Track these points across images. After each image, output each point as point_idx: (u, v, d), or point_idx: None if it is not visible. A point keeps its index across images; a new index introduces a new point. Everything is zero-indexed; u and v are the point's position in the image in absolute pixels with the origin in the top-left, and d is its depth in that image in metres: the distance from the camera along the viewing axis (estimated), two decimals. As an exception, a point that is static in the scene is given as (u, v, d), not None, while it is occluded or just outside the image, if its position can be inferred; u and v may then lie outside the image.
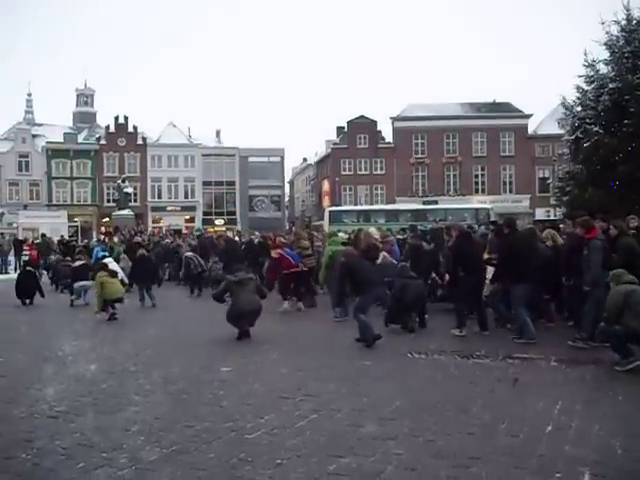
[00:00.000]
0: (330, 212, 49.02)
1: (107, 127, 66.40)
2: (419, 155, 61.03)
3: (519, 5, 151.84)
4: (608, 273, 9.80)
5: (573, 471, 5.23)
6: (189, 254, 21.19)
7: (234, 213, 67.76)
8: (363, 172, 61.92)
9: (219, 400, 7.62)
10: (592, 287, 10.51)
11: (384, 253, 15.54)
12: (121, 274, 16.75)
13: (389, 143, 62.50)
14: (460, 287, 12.56)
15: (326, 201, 63.15)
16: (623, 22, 18.70)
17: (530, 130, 61.39)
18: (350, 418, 6.77)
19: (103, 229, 49.29)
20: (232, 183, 68.20)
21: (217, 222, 65.48)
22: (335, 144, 65.03)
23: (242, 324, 11.87)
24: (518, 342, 10.94)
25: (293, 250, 16.40)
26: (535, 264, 11.42)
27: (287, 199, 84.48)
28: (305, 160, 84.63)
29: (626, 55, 18.40)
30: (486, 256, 12.75)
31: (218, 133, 73.21)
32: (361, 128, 62.34)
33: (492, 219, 42.22)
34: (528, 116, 61.72)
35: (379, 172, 61.68)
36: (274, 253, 16.17)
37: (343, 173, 62.05)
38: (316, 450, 5.81)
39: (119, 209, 43.02)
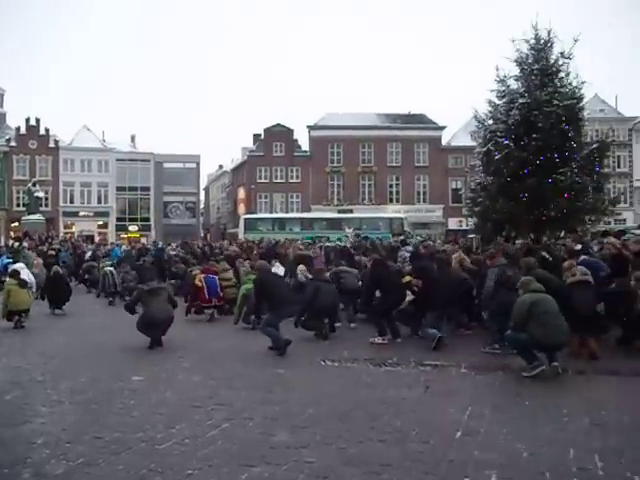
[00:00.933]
0: (245, 220, 48.90)
1: (17, 129, 64.19)
2: (335, 164, 61.32)
3: (435, 20, 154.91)
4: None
5: (481, 475, 5.38)
6: (108, 269, 20.75)
7: (148, 219, 66.63)
8: (279, 180, 61.82)
9: (129, 410, 7.50)
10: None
11: (302, 267, 15.76)
12: (31, 282, 16.29)
13: (305, 151, 62.59)
14: (379, 304, 12.80)
15: (241, 209, 62.83)
16: (532, 41, 19.24)
17: (444, 142, 62.44)
18: (262, 426, 6.77)
19: (12, 234, 47.73)
20: (147, 189, 67.06)
21: (131, 228, 64.38)
22: (251, 151, 64.81)
23: (154, 333, 11.76)
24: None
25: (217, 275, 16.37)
26: (450, 294, 11.97)
27: (202, 206, 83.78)
28: (221, 167, 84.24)
29: (535, 72, 18.94)
30: (407, 279, 13.09)
31: (133, 138, 71.88)
32: (278, 136, 62.25)
33: (405, 228, 43.18)
34: (442, 128, 62.78)
35: (295, 180, 61.71)
36: (197, 280, 15.92)
37: (259, 181, 61.86)
38: (228, 459, 5.79)
39: (29, 213, 41.85)
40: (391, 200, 61.05)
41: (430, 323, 11.75)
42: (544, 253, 13.75)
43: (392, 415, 7.20)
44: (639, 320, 10.85)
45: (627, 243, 13.74)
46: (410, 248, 18.79)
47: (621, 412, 7.38)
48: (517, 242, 15.95)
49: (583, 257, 12.79)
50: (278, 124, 62.82)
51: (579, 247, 14.21)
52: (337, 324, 13.57)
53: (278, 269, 16.67)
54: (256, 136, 66.72)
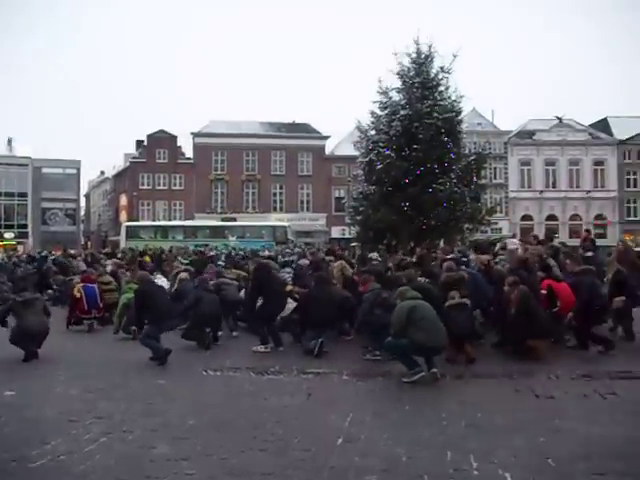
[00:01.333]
0: (127, 227, 47.94)
1: None
2: (219, 172, 60.86)
3: (320, 31, 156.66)
4: None
5: (362, 480, 5.43)
6: None
7: (25, 226, 63.95)
8: (162, 187, 60.79)
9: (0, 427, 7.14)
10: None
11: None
12: None
13: (189, 159, 61.86)
14: (259, 311, 12.77)
15: (123, 216, 61.41)
16: (414, 55, 19.79)
17: (327, 151, 63.04)
18: (142, 439, 6.62)
19: None
20: (24, 195, 64.33)
21: (7, 235, 61.60)
22: (134, 158, 63.47)
23: (28, 345, 11.30)
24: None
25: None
26: (330, 313, 12.12)
27: (83, 213, 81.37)
28: (103, 173, 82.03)
29: (416, 85, 19.46)
30: (289, 288, 13.13)
31: (10, 141, 69.09)
32: (161, 142, 61.21)
33: (289, 237, 43.38)
34: (326, 137, 63.32)
35: (178, 187, 60.83)
36: (75, 290, 15.34)
37: (141, 188, 60.60)
38: (105, 475, 5.64)
39: None
40: (275, 209, 61.13)
41: (310, 338, 11.81)
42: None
43: (274, 423, 7.19)
44: (513, 324, 11.27)
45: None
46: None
47: (495, 413, 7.63)
48: (396, 255, 16.23)
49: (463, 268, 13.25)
50: (161, 130, 61.79)
51: (450, 256, 14.64)
52: (219, 333, 13.47)
53: (160, 280, 16.37)
54: (139, 142, 65.41)
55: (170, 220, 56.73)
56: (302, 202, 62.17)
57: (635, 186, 64.01)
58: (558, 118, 64.20)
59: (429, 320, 9.56)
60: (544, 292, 11.93)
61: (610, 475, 5.60)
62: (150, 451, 6.23)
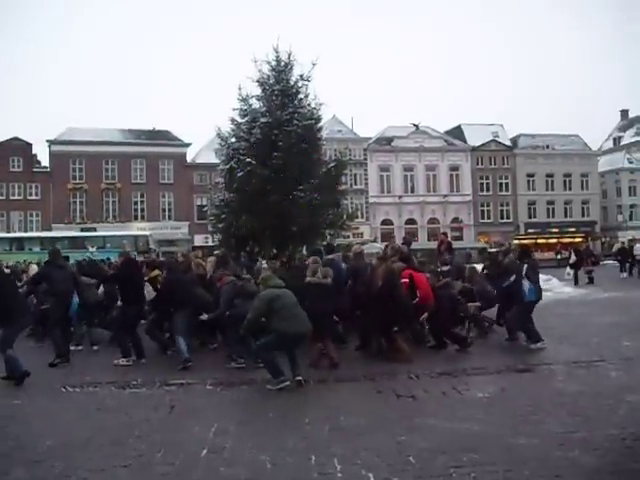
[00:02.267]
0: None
1: None
2: (77, 180, 58.97)
3: (179, 38, 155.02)
4: None
5: (226, 491, 5.40)
6: None
7: None
8: (17, 197, 58.11)
9: None
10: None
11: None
12: None
13: (45, 167, 59.63)
14: (120, 315, 12.45)
15: (-25, 228, 58.55)
16: (273, 62, 19.86)
17: (189, 158, 62.40)
18: (-6, 466, 6.28)
19: None
20: None
21: None
22: (-15, 166, 60.68)
23: None
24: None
25: None
26: (192, 297, 11.93)
27: None
28: (-51, 182, 77.91)
29: (276, 93, 19.55)
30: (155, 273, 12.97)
31: None
32: (15, 150, 58.46)
33: (151, 246, 42.64)
34: (187, 145, 62.69)
35: (34, 197, 58.40)
36: None
37: (-6, 197, 57.96)
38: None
39: None
40: (136, 217, 59.91)
41: (178, 330, 11.65)
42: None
43: (136, 438, 7.02)
44: (376, 304, 11.54)
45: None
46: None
47: (358, 415, 7.76)
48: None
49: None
50: (15, 137, 59.17)
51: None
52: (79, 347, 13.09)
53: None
54: (-8, 150, 62.57)
55: (26, 231, 54.53)
56: (164, 210, 61.23)
57: (488, 190, 67.34)
58: (415, 125, 66.44)
59: (289, 307, 9.63)
60: (406, 280, 12.26)
61: (466, 467, 5.85)
62: (3, 478, 5.93)
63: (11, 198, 58.06)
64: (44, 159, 60.58)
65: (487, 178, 67.76)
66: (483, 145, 67.45)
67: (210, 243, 40.83)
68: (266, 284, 9.99)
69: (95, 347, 13.77)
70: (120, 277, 12.63)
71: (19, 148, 58.83)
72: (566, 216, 69.04)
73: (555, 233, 65.81)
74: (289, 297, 9.79)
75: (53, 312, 12.46)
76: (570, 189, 69.56)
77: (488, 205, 67.78)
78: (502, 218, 67.76)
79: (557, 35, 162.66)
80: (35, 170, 58.94)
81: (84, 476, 5.89)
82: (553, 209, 69.08)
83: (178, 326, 11.77)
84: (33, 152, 60.03)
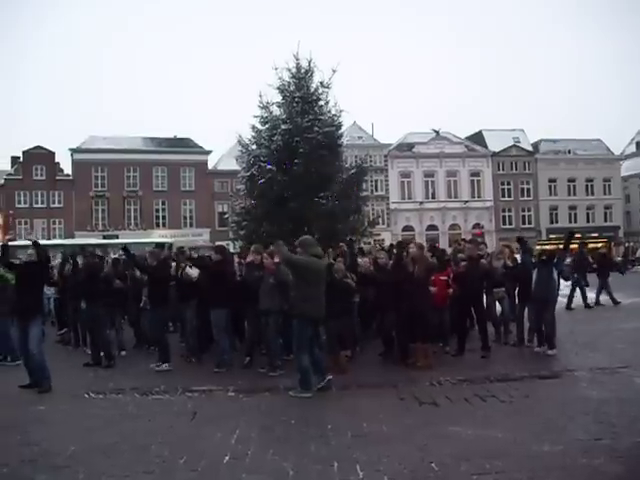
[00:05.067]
0: (2, 247, 45.92)
1: None
2: (99, 188, 59.44)
3: (200, 46, 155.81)
4: None
5: (249, 497, 5.41)
6: None
7: None
8: (40, 205, 58.65)
9: None
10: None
11: None
12: None
13: (68, 175, 60.13)
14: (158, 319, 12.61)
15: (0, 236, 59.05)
16: (294, 70, 19.88)
17: (210, 166, 62.65)
18: (19, 471, 6.32)
19: None
20: None
21: None
22: (9, 175, 61.14)
23: None
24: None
25: None
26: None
27: (-47, 233, 77.84)
28: (-26, 191, 78.70)
29: (296, 100, 19.55)
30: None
31: None
32: (38, 159, 59.06)
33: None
34: (208, 152, 62.92)
35: (57, 205, 58.92)
36: None
37: (18, 206, 58.27)
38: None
39: None
40: (158, 225, 60.24)
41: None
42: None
43: (159, 445, 7.05)
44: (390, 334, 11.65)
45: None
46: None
47: (380, 422, 7.76)
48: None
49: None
50: (38, 146, 59.68)
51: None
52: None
53: None
54: (14, 158, 63.03)
55: (49, 239, 54.92)
56: (185, 218, 61.51)
57: (509, 196, 66.99)
58: (435, 131, 66.28)
59: (315, 286, 9.70)
60: (444, 278, 12.63)
61: (489, 475, 5.82)
62: (28, 483, 5.99)
63: (34, 206, 58.59)
64: (67, 167, 61.10)
65: (508, 183, 67.42)
66: (504, 150, 67.12)
67: (232, 250, 40.99)
68: (308, 250, 9.96)
69: (123, 352, 13.83)
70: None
71: (42, 157, 59.36)
72: (588, 221, 68.41)
73: (577, 239, 65.22)
74: (321, 274, 9.91)
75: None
76: (592, 194, 68.98)
77: (509, 211, 67.43)
78: (524, 224, 67.30)
79: (581, 38, 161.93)
80: (58, 178, 59.42)
81: (108, 482, 5.93)
82: (575, 214, 68.51)
83: (220, 325, 11.95)
84: (56, 161, 60.51)
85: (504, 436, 7.02)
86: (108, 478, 6.02)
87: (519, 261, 13.79)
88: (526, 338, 13.38)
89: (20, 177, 58.76)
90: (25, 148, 59.90)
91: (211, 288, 11.91)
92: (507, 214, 67.40)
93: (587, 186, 69.10)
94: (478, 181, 66.97)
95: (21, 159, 60.29)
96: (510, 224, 67.00)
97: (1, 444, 7.31)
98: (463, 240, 24.18)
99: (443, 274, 12.69)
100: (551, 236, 65.27)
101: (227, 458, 6.50)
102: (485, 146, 67.88)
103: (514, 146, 68.05)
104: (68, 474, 6.17)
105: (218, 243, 54.79)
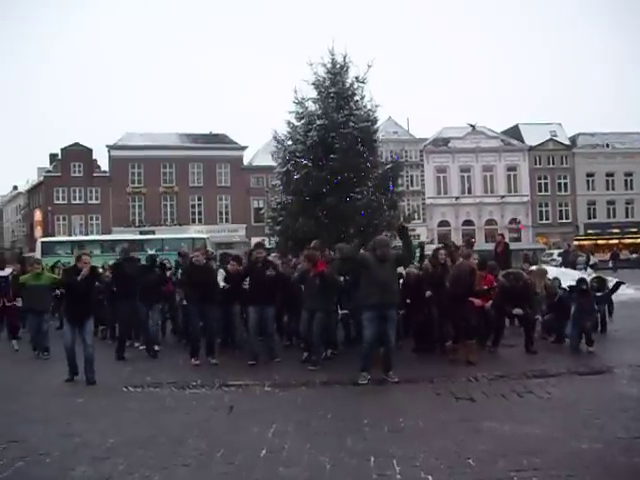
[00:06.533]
0: (42, 243, 46.64)
1: None
2: (136, 184, 60.06)
3: (236, 41, 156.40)
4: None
5: (286, 491, 5.43)
6: None
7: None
8: (78, 201, 59.50)
9: None
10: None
11: None
12: None
13: (105, 172, 60.82)
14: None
15: (38, 231, 59.76)
16: (329, 65, 19.85)
17: (245, 162, 62.93)
18: (61, 461, 6.41)
19: None
20: None
21: None
22: (48, 172, 62.07)
23: None
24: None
25: None
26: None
27: (-4, 229, 79.23)
28: (15, 188, 79.88)
29: (331, 95, 19.53)
30: None
31: None
32: (76, 156, 59.87)
33: (208, 248, 43.07)
34: (243, 148, 63.19)
35: (94, 201, 59.67)
36: None
37: (56, 202, 59.16)
38: (23, 501, 5.46)
39: None
40: (194, 220, 60.68)
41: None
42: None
43: (196, 438, 7.11)
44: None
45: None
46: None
47: (417, 417, 7.75)
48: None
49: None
50: (76, 143, 60.48)
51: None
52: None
53: None
54: (53, 156, 63.94)
55: (87, 235, 55.62)
56: (221, 213, 61.87)
57: (546, 190, 66.23)
58: (471, 125, 65.84)
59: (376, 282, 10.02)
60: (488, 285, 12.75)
61: (527, 471, 5.77)
62: (69, 473, 6.06)
63: (72, 202, 59.47)
64: (104, 164, 61.84)
65: (545, 178, 66.66)
66: (541, 145, 66.40)
67: (267, 245, 41.12)
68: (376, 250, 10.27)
69: (157, 347, 13.95)
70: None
71: (80, 154, 60.20)
72: (627, 216, 67.42)
73: (616, 234, 64.51)
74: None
75: None
76: (632, 188, 67.85)
77: (546, 205, 66.70)
78: (561, 219, 66.62)
79: (621, 30, 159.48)
80: (95, 175, 60.22)
81: (146, 474, 5.98)
82: (614, 209, 67.55)
83: (251, 322, 12.11)
84: (93, 157, 61.32)
85: (542, 433, 6.97)
86: (146, 470, 6.08)
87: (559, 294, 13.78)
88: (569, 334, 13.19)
89: (59, 174, 59.70)
90: (63, 145, 60.84)
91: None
92: (544, 209, 66.68)
93: (626, 180, 68.02)
94: (515, 176, 66.34)
95: (59, 156, 61.24)
96: (547, 219, 66.35)
97: (43, 435, 7.42)
98: (500, 235, 24.05)
99: (486, 281, 12.68)
100: (589, 231, 64.64)
101: (264, 452, 6.53)
102: (522, 140, 67.22)
103: (551, 140, 67.25)
104: (108, 465, 6.25)
105: (254, 239, 55.39)
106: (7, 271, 15.86)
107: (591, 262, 28.20)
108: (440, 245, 14.48)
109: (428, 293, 12.52)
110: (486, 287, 12.65)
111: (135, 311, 13.41)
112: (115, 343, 13.59)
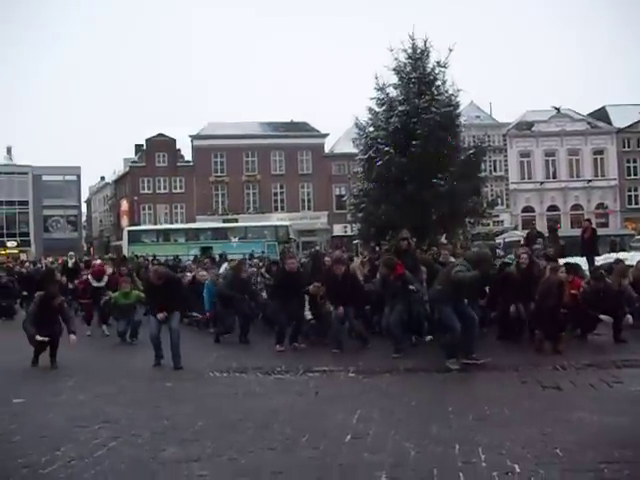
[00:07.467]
0: (129, 232, 47.88)
1: None
2: (219, 173, 60.94)
3: (316, 29, 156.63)
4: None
5: (371, 476, 5.46)
6: None
7: (27, 234, 63.98)
8: (162, 191, 60.87)
9: (10, 435, 7.07)
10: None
11: None
12: None
13: (188, 161, 61.93)
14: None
15: (125, 221, 61.43)
16: (409, 50, 19.71)
17: (327, 149, 63.07)
18: (151, 442, 6.62)
19: None
20: (25, 203, 64.45)
21: (9, 244, 61.72)
22: (133, 162, 63.61)
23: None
24: None
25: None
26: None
27: (84, 219, 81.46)
28: (103, 179, 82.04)
29: (413, 80, 19.41)
30: None
31: (9, 150, 69.01)
32: (160, 146, 61.24)
33: (291, 236, 43.44)
34: (324, 135, 63.35)
35: (179, 191, 60.90)
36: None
37: (142, 192, 60.66)
38: (116, 479, 5.64)
39: None
40: (276, 208, 61.20)
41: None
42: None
43: (281, 423, 7.21)
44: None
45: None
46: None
47: (502, 406, 7.66)
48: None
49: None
50: (160, 134, 61.81)
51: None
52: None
53: None
54: (138, 146, 65.41)
55: (172, 223, 56.77)
56: (303, 201, 62.24)
57: (635, 174, 63.93)
58: (556, 108, 64.17)
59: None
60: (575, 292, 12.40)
61: (618, 463, 5.61)
62: (160, 454, 6.24)
63: (157, 192, 60.84)
64: (187, 154, 63.07)
65: (634, 161, 64.32)
66: (630, 126, 64.07)
67: (349, 233, 41.20)
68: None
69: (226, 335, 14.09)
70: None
71: (164, 144, 61.51)
72: None
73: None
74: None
75: None
76: None
77: (636, 190, 64.40)
78: (650, 203, 64.39)
79: None
80: (179, 165, 61.45)
81: (234, 456, 6.09)
82: None
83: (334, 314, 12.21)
84: (177, 147, 62.52)
85: (633, 424, 6.78)
86: (234, 452, 6.19)
87: None
88: None
89: (144, 164, 61.20)
90: (148, 136, 62.22)
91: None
92: (633, 193, 64.36)
93: None
94: (602, 159, 64.31)
95: (144, 147, 62.61)
96: (636, 204, 64.08)
97: (135, 417, 7.69)
98: (587, 220, 23.44)
99: (573, 284, 12.48)
100: (680, 216, 62.23)
101: (349, 437, 6.57)
102: (609, 122, 65.06)
103: (641, 121, 64.96)
104: (197, 447, 6.40)
105: (337, 227, 55.59)
106: (103, 281, 16.30)
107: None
108: (521, 250, 14.10)
109: (512, 309, 12.30)
110: (574, 292, 12.32)
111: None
112: (201, 330, 13.96)
